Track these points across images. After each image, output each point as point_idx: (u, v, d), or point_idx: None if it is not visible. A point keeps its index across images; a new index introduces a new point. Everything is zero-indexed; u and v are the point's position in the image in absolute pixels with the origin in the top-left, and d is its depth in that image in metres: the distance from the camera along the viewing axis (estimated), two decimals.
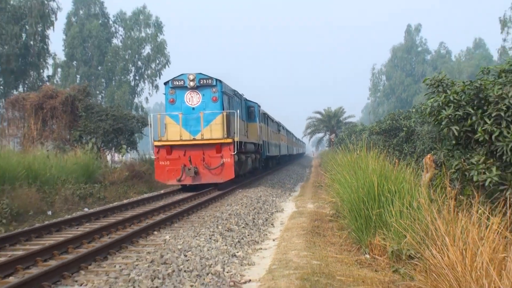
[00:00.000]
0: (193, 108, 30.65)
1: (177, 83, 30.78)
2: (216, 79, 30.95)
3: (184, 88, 30.79)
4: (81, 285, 10.11)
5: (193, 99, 30.82)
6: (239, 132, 32.76)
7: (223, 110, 30.84)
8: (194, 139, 30.06)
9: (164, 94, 32.07)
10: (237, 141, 30.40)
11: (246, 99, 41.90)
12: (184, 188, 31.81)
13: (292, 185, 39.86)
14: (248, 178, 40.18)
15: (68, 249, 13.38)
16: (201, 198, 25.19)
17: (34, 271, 10.71)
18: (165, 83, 32.00)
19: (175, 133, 30.17)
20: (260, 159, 46.30)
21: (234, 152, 29.62)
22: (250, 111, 42.33)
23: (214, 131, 30.42)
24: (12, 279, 10.38)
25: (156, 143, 30.05)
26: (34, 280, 9.89)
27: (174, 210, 20.55)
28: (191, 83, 30.42)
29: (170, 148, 29.79)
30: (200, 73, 30.98)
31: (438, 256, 8.22)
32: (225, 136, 30.10)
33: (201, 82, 30.70)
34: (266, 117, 51.65)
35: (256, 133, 42.02)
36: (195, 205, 22.23)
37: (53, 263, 11.51)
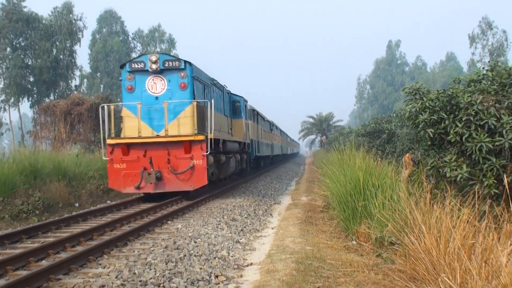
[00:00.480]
0: (157, 98, 22.56)
1: (136, 66, 22.91)
2: (185, 61, 23.19)
3: (145, 72, 22.68)
4: (104, 268, 10.11)
5: (156, 86, 22.79)
6: (220, 127, 26.63)
7: (194, 99, 22.80)
8: (157, 136, 22.08)
9: (121, 80, 24.00)
10: (211, 138, 22.25)
11: (231, 93, 33.66)
12: (148, 197, 23.50)
13: (288, 180, 39.90)
14: (233, 182, 32.07)
15: (93, 236, 13.36)
16: (210, 192, 24.86)
17: (63, 255, 10.71)
18: (121, 67, 24.22)
19: (133, 128, 22.33)
20: (248, 160, 38.31)
21: (207, 151, 21.56)
22: (235, 106, 34.07)
23: (182, 125, 22.36)
24: (44, 263, 10.38)
25: (109, 141, 22.16)
26: (63, 263, 9.89)
27: (186, 203, 20.47)
28: (154, 66, 22.46)
29: (127, 148, 21.98)
30: (165, 53, 24.17)
31: (415, 242, 8.22)
32: (196, 132, 22.04)
33: (166, 65, 22.72)
34: (255, 114, 43.19)
35: (241, 130, 33.89)
36: (203, 198, 22.15)
37: (80, 248, 11.51)
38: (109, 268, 10.04)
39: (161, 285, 9.01)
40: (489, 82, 15.82)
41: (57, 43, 74.45)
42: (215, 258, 11.45)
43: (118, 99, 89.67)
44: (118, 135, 24.07)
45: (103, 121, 22.52)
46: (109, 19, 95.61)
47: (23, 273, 9.13)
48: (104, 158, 23.39)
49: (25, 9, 70.89)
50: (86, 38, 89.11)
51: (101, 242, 11.91)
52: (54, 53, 73.89)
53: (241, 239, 14.20)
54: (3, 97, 71.82)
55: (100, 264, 10.44)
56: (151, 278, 9.31)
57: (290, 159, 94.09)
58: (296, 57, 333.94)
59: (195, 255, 11.47)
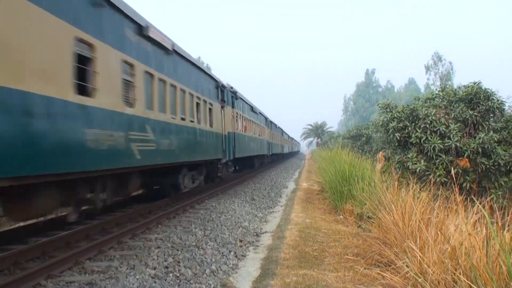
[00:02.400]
0: None
1: None
2: None
3: None
4: (158, 234, 10.07)
5: None
6: None
7: None
8: None
9: None
10: None
11: None
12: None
13: (293, 171, 39.77)
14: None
15: (150, 212, 13.31)
16: (236, 179, 24.66)
17: (129, 225, 10.69)
18: None
19: None
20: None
21: None
22: None
23: None
24: (115, 230, 10.33)
25: None
26: (128, 230, 9.88)
27: (218, 188, 20.31)
28: None
29: None
30: None
31: (387, 217, 8.16)
32: None
33: None
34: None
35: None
36: (231, 183, 22.00)
37: (141, 220, 11.49)
38: (162, 234, 10.01)
39: (200, 247, 8.98)
40: (440, 100, 16.13)
41: None
42: (239, 227, 11.43)
43: None
44: None
45: None
46: None
47: (99, 238, 9.13)
48: None
49: None
50: None
51: (156, 216, 11.88)
52: None
53: (258, 213, 14.17)
54: None
55: (155, 232, 10.41)
56: (192, 242, 9.28)
57: (294, 155, 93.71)
58: (300, 79, 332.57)
59: (224, 225, 11.45)
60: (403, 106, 16.02)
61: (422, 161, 14.19)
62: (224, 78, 20.57)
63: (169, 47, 12.49)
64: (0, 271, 6.99)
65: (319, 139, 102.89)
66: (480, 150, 13.90)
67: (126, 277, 6.81)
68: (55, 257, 7.51)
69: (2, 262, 7.14)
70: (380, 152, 17.89)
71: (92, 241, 8.96)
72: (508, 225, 5.62)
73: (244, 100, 25.75)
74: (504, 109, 15.43)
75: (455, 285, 5.14)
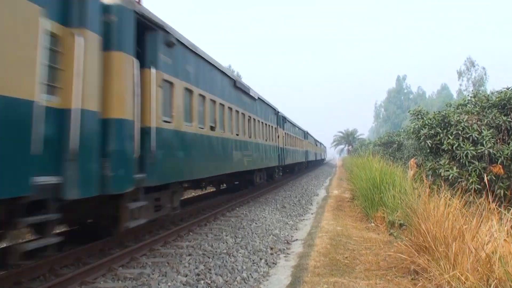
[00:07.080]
0: None
1: None
2: None
3: None
4: (190, 242, 10.13)
5: None
6: None
7: None
8: None
9: None
10: None
11: None
12: None
13: (324, 178, 39.53)
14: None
15: (182, 219, 13.40)
16: (266, 187, 24.59)
17: (162, 232, 10.78)
18: None
19: None
20: None
21: None
22: None
23: None
24: (147, 237, 10.42)
25: None
26: (161, 237, 9.95)
27: (249, 196, 20.31)
28: None
29: None
30: None
31: (418, 224, 8.08)
32: None
33: None
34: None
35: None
36: (262, 191, 22.00)
37: (173, 227, 11.56)
38: (193, 242, 10.06)
39: (231, 254, 9.00)
40: (472, 106, 15.96)
41: None
42: (270, 235, 11.42)
43: None
44: None
45: None
46: None
47: (132, 245, 9.22)
48: None
49: None
50: None
51: (188, 223, 11.95)
52: None
53: (289, 221, 14.14)
54: None
55: (187, 239, 10.47)
56: (223, 250, 9.31)
57: (325, 164, 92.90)
58: (334, 89, 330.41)
59: (255, 233, 11.45)
60: (434, 112, 15.91)
61: (455, 168, 14.04)
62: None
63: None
64: (36, 278, 7.13)
65: (350, 146, 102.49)
66: None
67: (158, 284, 6.87)
68: (89, 264, 7.62)
69: (38, 268, 7.28)
70: (412, 159, 17.71)
71: (124, 248, 9.05)
72: None
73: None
74: None
75: None
